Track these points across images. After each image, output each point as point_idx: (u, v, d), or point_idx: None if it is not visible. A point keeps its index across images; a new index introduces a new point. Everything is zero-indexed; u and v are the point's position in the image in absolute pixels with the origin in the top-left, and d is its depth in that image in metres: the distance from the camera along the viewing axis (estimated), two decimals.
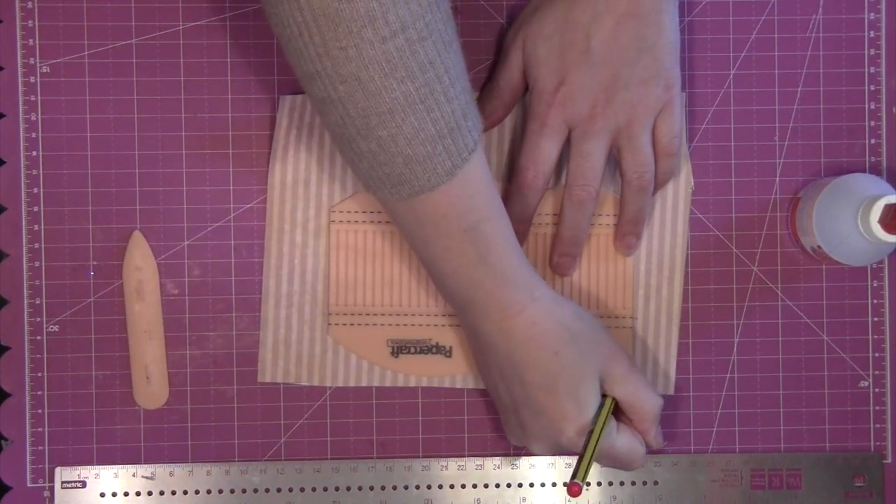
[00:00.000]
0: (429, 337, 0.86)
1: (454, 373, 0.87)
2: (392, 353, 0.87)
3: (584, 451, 0.78)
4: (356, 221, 0.86)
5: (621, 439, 0.80)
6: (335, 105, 0.69)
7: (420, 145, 0.70)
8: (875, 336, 0.89)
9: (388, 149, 0.70)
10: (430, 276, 0.79)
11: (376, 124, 0.69)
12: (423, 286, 0.87)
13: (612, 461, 0.81)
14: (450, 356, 0.87)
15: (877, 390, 0.89)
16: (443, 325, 0.87)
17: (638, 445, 0.81)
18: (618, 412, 0.81)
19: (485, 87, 0.87)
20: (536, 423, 0.79)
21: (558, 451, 0.80)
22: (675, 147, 0.83)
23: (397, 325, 0.87)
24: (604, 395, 0.80)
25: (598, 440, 0.78)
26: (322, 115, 0.72)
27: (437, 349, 0.86)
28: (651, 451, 0.83)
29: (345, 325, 0.87)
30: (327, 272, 0.87)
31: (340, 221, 0.86)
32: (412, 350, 0.87)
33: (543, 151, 0.82)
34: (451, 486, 0.87)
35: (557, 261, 0.86)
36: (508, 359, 0.78)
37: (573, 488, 0.77)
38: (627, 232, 0.86)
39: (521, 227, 0.85)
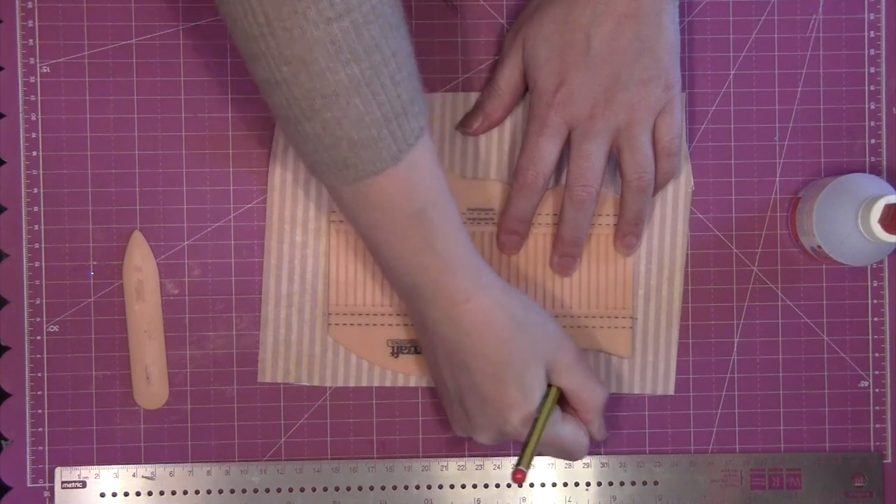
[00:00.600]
0: None
1: None
2: (392, 354, 0.87)
3: (529, 439, 0.78)
4: None
5: (566, 429, 0.80)
6: (280, 86, 0.69)
7: (365, 129, 0.70)
8: (875, 336, 0.89)
9: (333, 132, 0.70)
10: (377, 263, 0.78)
11: (321, 106, 0.69)
12: None
13: (557, 450, 0.81)
14: None
15: (877, 390, 0.89)
16: None
17: (582, 436, 0.81)
18: (563, 402, 0.81)
19: (485, 86, 0.87)
20: (482, 412, 0.79)
21: (503, 439, 0.80)
22: (676, 147, 0.83)
23: (397, 325, 0.87)
24: (549, 385, 0.80)
25: (542, 429, 0.78)
26: (267, 97, 0.71)
27: None
28: (594, 444, 0.83)
29: (345, 325, 0.87)
30: (327, 272, 0.87)
31: (341, 221, 0.86)
32: (412, 350, 0.87)
33: (543, 152, 0.82)
34: (451, 486, 0.87)
35: (558, 261, 0.86)
36: (455, 347, 0.78)
37: (517, 475, 0.77)
38: (627, 232, 0.86)
39: (522, 226, 0.85)
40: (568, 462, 0.87)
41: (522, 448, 0.78)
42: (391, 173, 0.72)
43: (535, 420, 0.78)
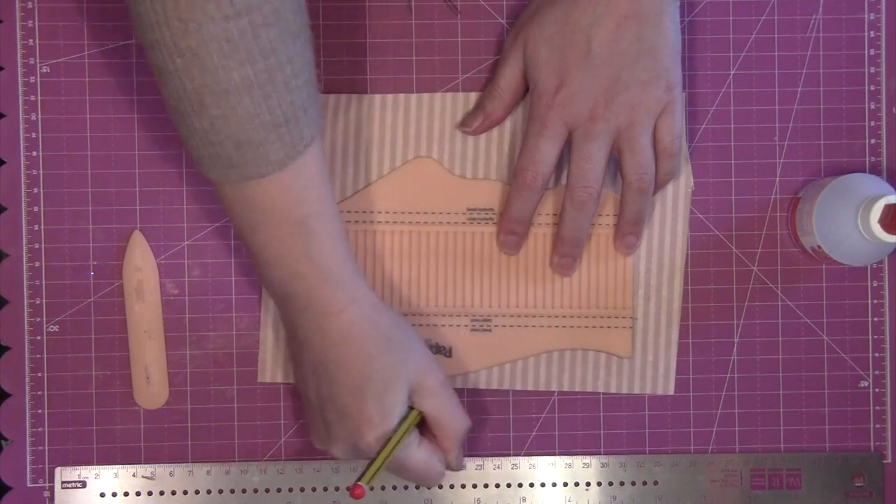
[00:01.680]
0: (428, 337, 0.86)
1: (454, 373, 0.87)
2: None
3: (377, 456, 0.77)
4: (356, 221, 0.86)
5: (420, 453, 0.80)
6: (172, 77, 0.69)
7: (253, 131, 0.70)
8: (875, 336, 0.89)
9: (220, 129, 0.70)
10: (254, 265, 0.78)
11: (210, 103, 0.69)
12: (422, 286, 0.87)
13: (408, 473, 0.81)
14: (449, 356, 0.87)
15: (877, 390, 0.89)
16: (443, 326, 0.87)
17: (436, 463, 0.81)
18: (424, 428, 0.81)
19: (486, 86, 0.87)
20: (339, 425, 0.78)
21: (357, 455, 0.79)
22: (676, 148, 0.83)
23: None
24: (411, 407, 0.79)
25: (392, 448, 0.77)
26: (160, 85, 0.71)
27: (437, 349, 0.86)
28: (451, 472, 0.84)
29: None
30: None
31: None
32: None
33: (542, 153, 0.82)
34: (451, 487, 0.87)
35: (558, 261, 0.86)
36: (322, 357, 0.77)
37: (356, 490, 0.76)
38: (627, 232, 0.86)
39: (521, 227, 0.85)
40: (568, 462, 0.87)
41: (368, 463, 0.78)
42: (276, 178, 0.72)
43: (389, 439, 0.78)
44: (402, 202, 0.87)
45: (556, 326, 0.87)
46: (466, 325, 0.87)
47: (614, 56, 0.80)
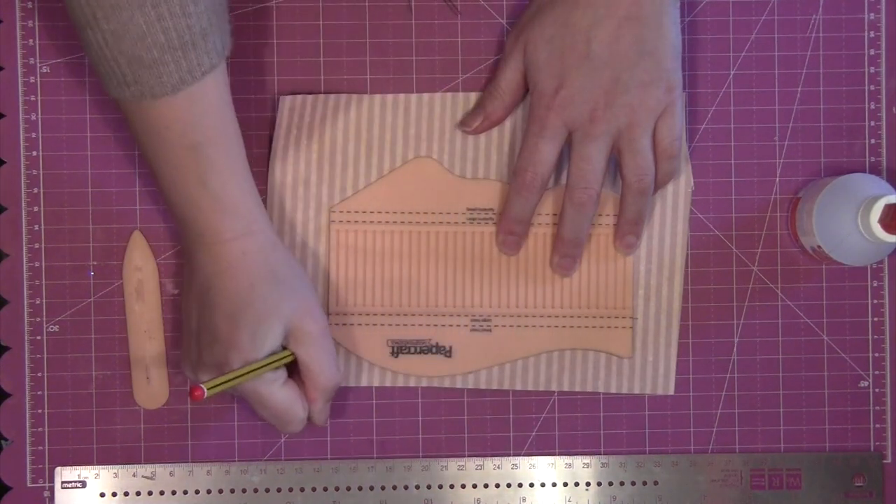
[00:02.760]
0: (429, 337, 0.86)
1: (454, 373, 0.87)
2: (392, 353, 0.87)
3: (232, 372, 0.77)
4: (356, 221, 0.86)
5: (282, 392, 0.79)
6: None
7: (145, 50, 0.71)
8: (875, 336, 0.89)
9: (113, 45, 0.71)
10: (158, 190, 0.79)
11: (101, 17, 0.70)
12: (422, 286, 0.87)
13: (267, 411, 0.80)
14: (450, 356, 0.87)
15: (877, 390, 0.89)
16: (443, 326, 0.87)
17: (299, 409, 0.80)
18: (295, 374, 0.80)
19: (486, 86, 0.87)
20: (210, 351, 0.78)
21: None
22: (676, 149, 0.83)
23: (397, 325, 0.87)
24: (285, 348, 0.80)
25: (250, 371, 0.77)
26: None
27: (437, 349, 0.86)
28: (314, 428, 0.83)
29: (344, 325, 0.87)
30: (327, 272, 0.87)
31: (340, 221, 0.86)
32: (412, 350, 0.87)
33: (542, 154, 0.82)
34: (451, 486, 0.87)
35: (558, 261, 0.86)
36: (208, 282, 0.78)
37: (195, 391, 0.74)
38: (627, 232, 0.86)
39: (520, 227, 0.85)
40: (568, 462, 0.87)
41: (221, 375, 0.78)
42: (170, 101, 0.73)
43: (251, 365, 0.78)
44: (401, 202, 0.87)
45: (556, 326, 0.87)
46: (466, 325, 0.87)
47: (614, 58, 0.80)
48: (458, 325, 0.86)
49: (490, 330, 0.87)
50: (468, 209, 0.87)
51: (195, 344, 0.79)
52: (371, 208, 0.86)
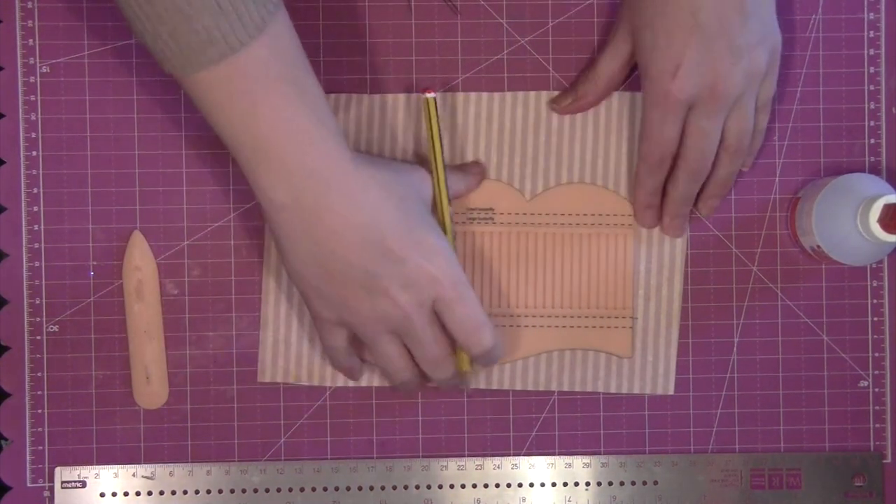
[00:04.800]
0: None
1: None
2: None
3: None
4: None
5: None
6: None
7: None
8: (875, 336, 0.89)
9: (195, 2, 0.68)
10: (250, 160, 0.74)
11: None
12: None
13: (466, 307, 0.79)
14: None
15: (877, 390, 0.89)
16: None
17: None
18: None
19: (583, 71, 0.87)
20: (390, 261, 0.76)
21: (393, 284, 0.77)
22: (769, 104, 0.84)
23: None
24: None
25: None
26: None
27: None
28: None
29: None
30: None
31: None
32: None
33: (666, 136, 0.82)
34: (451, 486, 0.87)
35: (669, 222, 0.86)
36: (351, 216, 0.75)
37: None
38: (713, 194, 0.86)
39: (656, 198, 0.86)
40: (568, 462, 0.87)
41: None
42: (262, 41, 0.70)
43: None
44: None
45: (556, 326, 0.87)
46: None
47: (724, 24, 0.78)
48: None
49: None
50: (468, 209, 0.87)
51: (344, 290, 0.77)
52: None
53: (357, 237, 0.75)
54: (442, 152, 0.82)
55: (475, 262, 0.87)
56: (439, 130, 0.82)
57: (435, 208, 0.82)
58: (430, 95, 0.82)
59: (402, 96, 0.87)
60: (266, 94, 0.72)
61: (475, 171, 0.86)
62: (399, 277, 0.76)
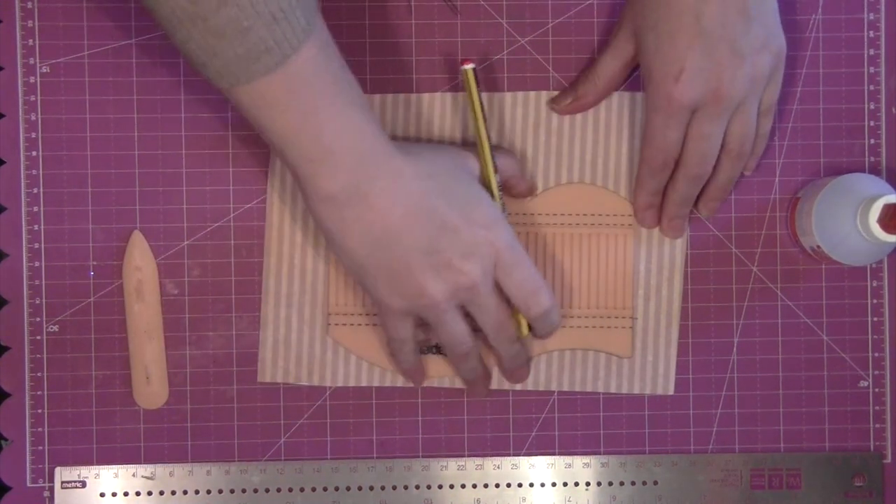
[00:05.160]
0: (428, 338, 0.86)
1: (453, 373, 0.87)
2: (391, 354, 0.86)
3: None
4: None
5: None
6: None
7: (276, 2, 0.68)
8: (875, 336, 0.89)
9: (248, 10, 0.67)
10: (307, 162, 0.73)
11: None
12: None
13: (521, 271, 0.79)
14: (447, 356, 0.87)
15: (877, 390, 0.89)
16: None
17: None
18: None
19: (583, 71, 0.87)
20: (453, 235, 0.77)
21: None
22: (775, 106, 0.84)
23: None
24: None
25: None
26: (162, 15, 0.69)
27: (437, 349, 0.86)
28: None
29: (345, 325, 0.87)
30: (327, 272, 0.87)
31: None
32: None
33: (670, 141, 0.82)
34: (451, 486, 0.87)
35: (668, 223, 0.86)
36: (409, 201, 0.76)
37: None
38: (714, 197, 0.86)
39: (657, 198, 0.86)
40: (568, 462, 0.87)
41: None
42: (311, 42, 0.70)
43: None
44: None
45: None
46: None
47: (727, 30, 0.78)
48: None
49: None
50: None
51: (409, 271, 0.76)
52: None
53: (411, 215, 0.75)
54: (485, 122, 0.82)
55: None
56: (481, 101, 0.82)
57: (482, 180, 0.82)
58: (468, 67, 0.81)
59: (402, 96, 0.87)
60: (322, 91, 0.72)
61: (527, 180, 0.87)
62: (459, 247, 0.76)
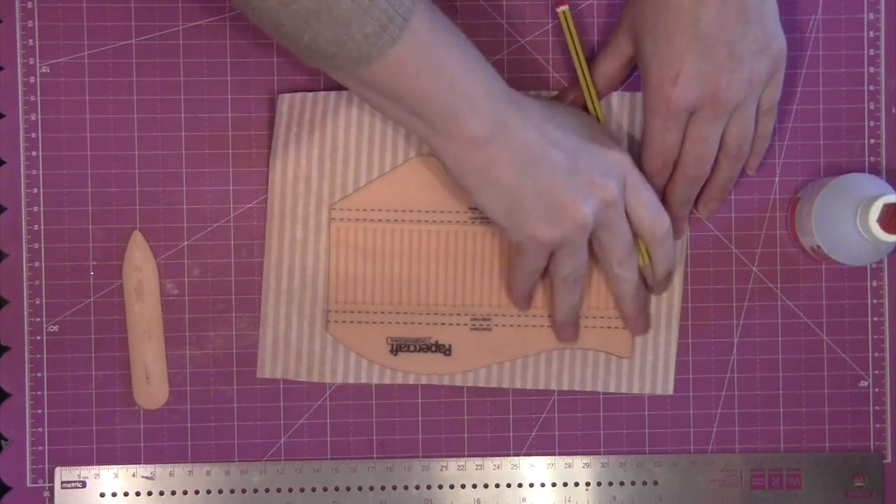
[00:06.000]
0: (428, 335, 0.86)
1: (453, 371, 0.87)
2: (391, 351, 0.86)
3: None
4: (356, 219, 0.86)
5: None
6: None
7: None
8: (875, 336, 0.89)
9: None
10: (446, 116, 0.75)
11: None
12: (422, 284, 0.87)
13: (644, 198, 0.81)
14: (449, 354, 0.87)
15: (877, 390, 0.89)
16: (442, 324, 0.87)
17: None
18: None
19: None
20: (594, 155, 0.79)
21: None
22: (774, 110, 0.84)
23: (396, 322, 0.87)
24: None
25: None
26: (261, 13, 0.70)
27: (437, 347, 0.86)
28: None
29: (344, 322, 0.87)
30: (327, 269, 0.87)
31: (341, 219, 0.86)
32: (411, 348, 0.87)
33: (668, 143, 0.82)
34: (451, 487, 0.87)
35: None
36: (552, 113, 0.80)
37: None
38: (714, 197, 0.86)
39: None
40: (568, 462, 0.87)
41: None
42: (419, 15, 0.72)
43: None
44: (402, 201, 0.87)
45: None
46: (466, 324, 0.87)
47: (724, 33, 0.78)
48: (458, 324, 0.86)
49: (490, 329, 0.87)
50: (470, 208, 0.87)
51: (557, 192, 0.77)
52: (372, 206, 0.86)
53: (546, 138, 0.77)
54: (585, 56, 0.84)
55: (475, 262, 0.87)
56: (575, 39, 0.84)
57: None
58: (562, 8, 0.84)
59: None
60: (445, 44, 0.73)
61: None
62: (597, 166, 0.78)
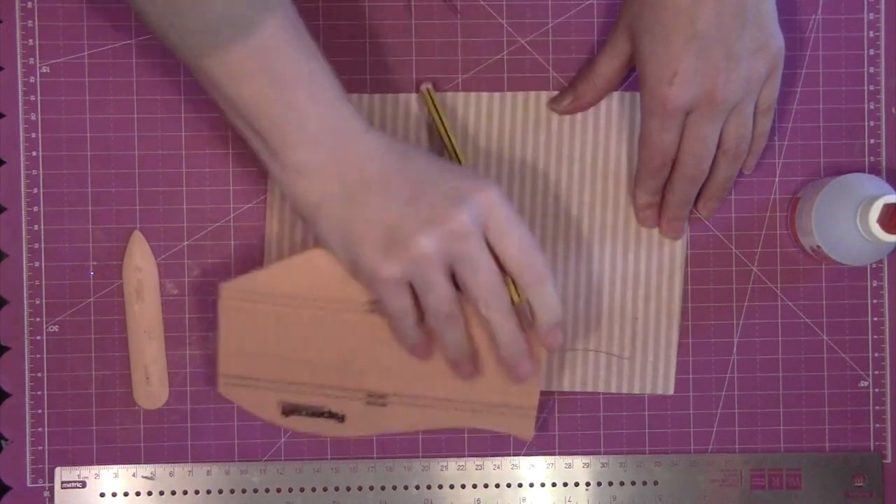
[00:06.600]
0: (321, 404, 0.82)
1: (347, 435, 0.83)
2: (282, 413, 0.82)
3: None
4: (249, 300, 0.81)
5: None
6: None
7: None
8: (875, 336, 0.89)
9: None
10: (275, 134, 0.73)
11: None
12: (317, 365, 0.82)
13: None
14: (342, 422, 0.83)
15: (877, 390, 0.89)
16: (337, 398, 0.82)
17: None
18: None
19: (583, 68, 0.87)
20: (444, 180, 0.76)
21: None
22: (773, 106, 0.84)
23: (289, 392, 0.82)
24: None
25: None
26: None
27: (329, 415, 0.82)
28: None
29: (235, 385, 0.82)
30: (217, 338, 0.82)
31: (234, 298, 0.81)
32: (303, 413, 0.82)
33: (666, 143, 0.82)
34: (451, 487, 0.87)
35: (667, 225, 0.86)
36: (392, 156, 0.76)
37: None
38: (713, 196, 0.86)
39: (656, 197, 0.86)
40: (568, 462, 0.87)
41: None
42: (274, 13, 0.71)
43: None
44: (301, 289, 0.80)
45: (456, 409, 0.83)
46: (361, 399, 0.82)
47: (722, 32, 0.78)
48: (353, 399, 0.82)
49: (385, 405, 0.83)
50: (369, 302, 0.80)
51: (402, 224, 0.74)
52: (267, 290, 0.81)
53: (388, 170, 0.74)
54: (451, 135, 0.84)
55: (373, 347, 0.82)
56: (439, 115, 0.84)
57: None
58: (425, 87, 0.84)
59: (402, 96, 0.87)
60: (292, 63, 0.72)
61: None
62: (444, 194, 0.74)
